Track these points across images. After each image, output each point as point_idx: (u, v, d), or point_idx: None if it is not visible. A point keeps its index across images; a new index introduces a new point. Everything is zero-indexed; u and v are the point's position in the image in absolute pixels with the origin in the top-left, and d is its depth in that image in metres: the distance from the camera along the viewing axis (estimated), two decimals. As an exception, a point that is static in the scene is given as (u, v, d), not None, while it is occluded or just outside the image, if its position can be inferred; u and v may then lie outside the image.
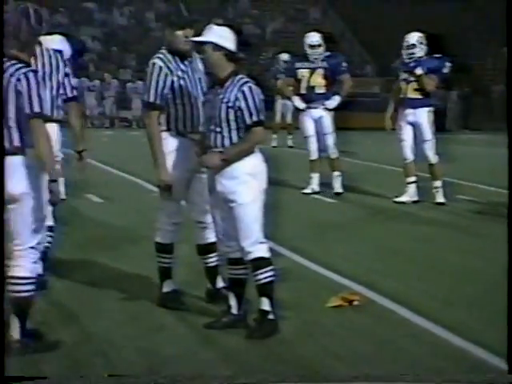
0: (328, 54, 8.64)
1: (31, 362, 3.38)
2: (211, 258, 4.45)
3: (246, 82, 3.81)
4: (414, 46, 8.04)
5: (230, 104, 3.78)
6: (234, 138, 3.80)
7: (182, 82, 4.26)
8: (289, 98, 8.97)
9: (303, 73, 8.59)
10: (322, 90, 8.57)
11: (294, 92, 8.70)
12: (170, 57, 4.27)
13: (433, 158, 8.13)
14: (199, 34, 3.95)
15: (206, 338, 3.83)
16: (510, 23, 3.04)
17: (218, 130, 3.82)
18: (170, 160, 4.24)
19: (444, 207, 8.04)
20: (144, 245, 5.13)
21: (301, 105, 8.60)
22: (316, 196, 8.66)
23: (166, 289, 4.40)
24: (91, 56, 26.58)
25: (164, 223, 4.38)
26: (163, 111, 4.26)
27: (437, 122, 8.31)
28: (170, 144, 4.26)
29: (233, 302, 3.91)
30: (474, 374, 3.43)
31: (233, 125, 3.80)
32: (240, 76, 3.82)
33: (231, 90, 3.80)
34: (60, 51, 4.69)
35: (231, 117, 3.78)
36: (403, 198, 8.11)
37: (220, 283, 4.45)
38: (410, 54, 8.04)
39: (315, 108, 8.56)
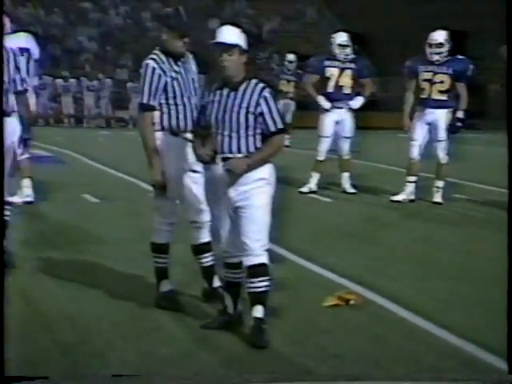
0: (354, 55, 8.63)
1: (31, 362, 3.36)
2: (207, 257, 4.45)
3: (265, 88, 3.74)
4: (442, 44, 7.86)
5: (250, 109, 3.69)
6: (251, 144, 3.72)
7: (175, 82, 4.26)
8: (311, 96, 8.75)
9: (332, 71, 8.56)
10: (348, 91, 8.57)
11: (317, 90, 8.61)
12: (163, 57, 4.27)
13: (443, 158, 8.09)
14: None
15: (203, 337, 3.83)
16: (510, 23, 3.01)
17: (234, 134, 3.72)
18: (163, 160, 4.24)
19: (442, 206, 8.04)
20: (140, 245, 5.11)
21: (326, 104, 8.55)
22: (312, 195, 8.66)
23: (162, 289, 4.40)
24: (87, 56, 26.58)
25: (159, 223, 4.38)
26: (157, 111, 4.26)
27: (465, 121, 8.20)
28: (163, 144, 4.26)
29: (228, 302, 3.89)
30: (473, 374, 3.43)
31: (251, 130, 3.71)
32: (255, 80, 3.75)
33: (250, 94, 3.71)
34: (26, 49, 4.84)
35: (250, 122, 3.70)
36: (400, 197, 8.09)
37: (216, 283, 4.45)
38: (438, 53, 7.85)
39: (340, 108, 8.54)
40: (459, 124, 7.98)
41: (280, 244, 5.50)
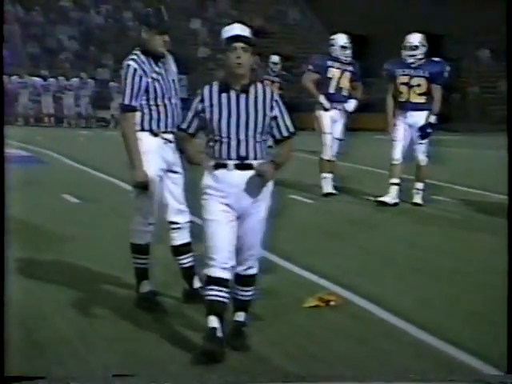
0: (352, 58, 8.67)
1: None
2: (186, 258, 4.45)
3: (273, 91, 3.60)
4: (417, 47, 7.90)
5: (267, 113, 3.51)
6: (263, 149, 3.53)
7: (156, 83, 4.26)
8: (312, 94, 8.71)
9: (334, 72, 8.57)
10: (346, 93, 8.60)
11: (319, 89, 8.57)
12: (143, 58, 4.27)
13: (423, 160, 8.11)
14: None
15: (182, 339, 3.82)
16: (510, 23, 3.00)
17: (251, 139, 3.49)
18: (144, 160, 4.23)
19: (422, 208, 8.09)
20: (120, 245, 5.09)
21: (327, 104, 8.56)
22: (294, 196, 8.67)
23: (142, 289, 4.39)
24: (67, 55, 26.41)
25: (139, 224, 4.36)
26: (137, 112, 4.26)
27: (434, 127, 8.18)
28: (144, 144, 4.25)
29: (216, 323, 3.50)
30: (450, 374, 3.45)
31: (264, 135, 3.53)
32: (258, 82, 3.58)
33: (263, 97, 3.52)
34: None
35: (266, 126, 3.52)
36: (386, 199, 8.07)
37: (197, 283, 4.44)
38: (413, 55, 7.90)
39: (336, 109, 8.56)
40: (429, 130, 7.98)
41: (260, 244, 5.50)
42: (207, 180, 3.55)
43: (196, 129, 3.60)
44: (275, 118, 3.54)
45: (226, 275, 3.51)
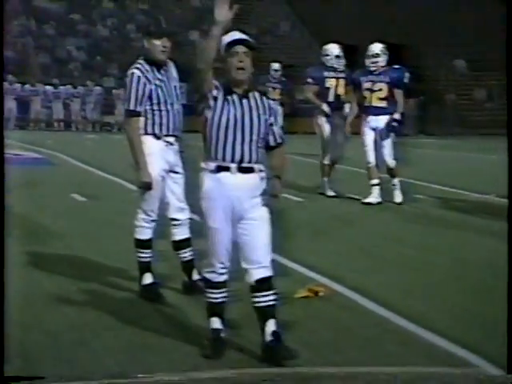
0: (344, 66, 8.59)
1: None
2: (186, 252, 4.44)
3: (268, 97, 3.44)
4: (378, 55, 7.94)
5: (267, 118, 3.33)
6: (259, 153, 3.33)
7: (159, 90, 4.25)
8: (315, 105, 8.58)
9: (331, 82, 8.52)
10: (343, 99, 8.52)
11: (319, 99, 8.50)
12: (147, 66, 4.25)
13: (391, 163, 8.05)
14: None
15: (184, 327, 3.80)
16: (510, 24, 2.95)
17: (253, 143, 3.29)
18: (148, 161, 4.21)
19: (402, 206, 8.08)
20: (124, 240, 5.06)
21: (330, 111, 8.49)
22: (285, 195, 8.62)
23: (145, 281, 4.37)
24: (76, 65, 26.36)
25: (142, 220, 4.35)
26: (141, 117, 4.24)
27: (401, 123, 8.19)
28: (148, 147, 4.23)
29: (219, 325, 3.41)
30: (430, 361, 3.44)
31: (261, 139, 3.33)
32: (256, 90, 3.40)
33: (261, 103, 3.34)
34: None
35: (265, 131, 3.33)
36: (370, 199, 8.03)
37: (195, 276, 4.42)
38: (374, 63, 7.93)
39: (336, 115, 8.48)
40: (395, 124, 7.95)
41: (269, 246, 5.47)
42: (209, 184, 3.30)
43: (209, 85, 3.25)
44: (271, 124, 3.37)
45: (225, 278, 3.38)
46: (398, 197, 8.09)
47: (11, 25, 25.86)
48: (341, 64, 8.58)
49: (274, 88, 13.33)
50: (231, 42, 3.28)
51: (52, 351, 3.45)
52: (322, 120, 8.61)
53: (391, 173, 8.11)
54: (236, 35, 3.31)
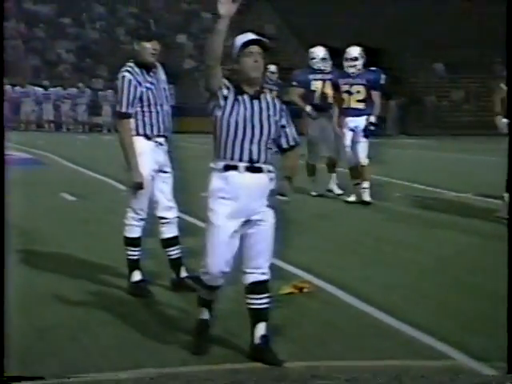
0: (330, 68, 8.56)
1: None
2: (174, 250, 4.43)
3: (276, 99, 3.34)
4: (356, 58, 7.95)
5: (277, 119, 3.24)
6: (268, 154, 3.24)
7: (149, 92, 4.25)
8: (300, 107, 8.52)
9: (317, 84, 8.49)
10: (330, 100, 8.48)
11: (304, 101, 8.48)
12: (137, 69, 4.25)
13: (364, 159, 8.00)
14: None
15: (170, 322, 3.80)
16: (510, 25, 2.93)
17: (263, 143, 3.21)
18: (139, 161, 4.21)
19: (382, 204, 8.11)
20: (113, 238, 5.05)
21: (314, 113, 8.48)
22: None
23: (134, 279, 4.36)
24: (66, 67, 26.19)
25: (131, 219, 4.35)
26: (132, 118, 4.24)
27: (378, 125, 8.19)
28: (139, 147, 4.23)
29: (206, 315, 3.37)
30: (408, 354, 3.46)
31: (271, 140, 3.24)
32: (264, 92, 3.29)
33: (273, 105, 3.25)
34: None
35: (276, 132, 3.25)
36: (352, 198, 8.05)
37: (183, 273, 4.42)
38: (353, 66, 7.93)
39: (323, 117, 8.45)
40: (372, 128, 7.98)
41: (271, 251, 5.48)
42: (217, 183, 3.18)
43: (219, 83, 3.17)
44: (283, 126, 3.28)
45: (221, 281, 3.28)
46: (367, 197, 7.95)
47: (2, 28, 25.52)
48: (327, 66, 8.57)
49: (271, 90, 13.23)
50: (246, 42, 3.19)
51: (43, 347, 3.43)
52: (308, 121, 8.62)
53: (363, 172, 7.97)
54: (250, 35, 3.22)
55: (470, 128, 24.67)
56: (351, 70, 7.97)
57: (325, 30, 24.88)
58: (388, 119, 24.02)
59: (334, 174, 8.69)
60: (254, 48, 3.19)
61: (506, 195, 6.97)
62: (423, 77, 28.15)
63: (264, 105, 3.23)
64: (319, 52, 8.64)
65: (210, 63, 3.14)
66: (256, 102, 3.22)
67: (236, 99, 3.20)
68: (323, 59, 8.58)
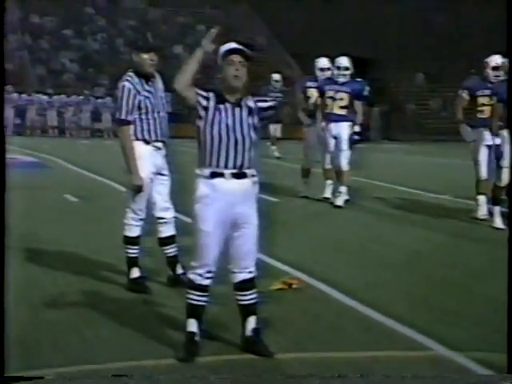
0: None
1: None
2: (171, 248, 4.43)
3: (259, 96, 3.28)
4: (347, 68, 7.87)
5: (255, 123, 3.20)
6: (252, 158, 3.20)
7: (147, 100, 4.26)
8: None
9: (311, 91, 8.41)
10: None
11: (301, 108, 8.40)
12: (136, 79, 4.27)
13: (345, 166, 7.91)
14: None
15: (166, 317, 3.78)
16: (510, 26, 2.90)
17: (246, 150, 3.17)
18: (138, 165, 4.20)
19: (367, 206, 8.11)
20: (113, 237, 5.03)
21: (307, 120, 8.41)
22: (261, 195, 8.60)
23: (133, 275, 4.35)
24: (69, 76, 26.13)
25: (131, 219, 4.34)
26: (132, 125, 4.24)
27: (362, 134, 8.13)
28: (138, 151, 4.23)
29: (195, 328, 3.24)
30: (390, 345, 3.46)
31: (254, 145, 3.21)
32: (251, 97, 3.24)
33: (253, 110, 3.19)
34: None
35: (257, 136, 3.22)
36: (327, 195, 8.09)
37: (179, 270, 4.41)
38: (344, 75, 7.85)
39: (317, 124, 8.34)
40: (356, 137, 7.93)
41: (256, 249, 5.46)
42: (204, 189, 3.14)
43: (196, 95, 3.14)
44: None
45: (208, 282, 3.23)
46: (339, 201, 7.84)
47: (9, 40, 25.55)
48: (325, 76, 8.37)
49: (276, 98, 13.12)
50: (228, 50, 3.17)
51: (47, 340, 3.41)
52: (306, 127, 8.56)
53: (342, 177, 7.89)
54: (233, 45, 3.19)
55: (447, 134, 24.74)
56: (341, 79, 7.90)
57: (314, 42, 24.92)
58: (371, 125, 24.08)
59: (330, 181, 8.31)
60: (236, 57, 3.15)
61: (480, 197, 6.99)
62: (404, 86, 28.29)
63: (245, 112, 3.18)
64: (318, 62, 8.52)
65: (176, 87, 3.11)
66: (237, 110, 3.17)
67: (217, 108, 3.16)
68: (321, 69, 8.43)
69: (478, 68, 7.26)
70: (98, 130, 24.04)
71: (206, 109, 3.16)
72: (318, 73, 8.49)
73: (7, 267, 4.69)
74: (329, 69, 8.41)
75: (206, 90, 3.20)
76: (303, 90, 8.48)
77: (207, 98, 3.17)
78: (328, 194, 8.29)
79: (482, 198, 6.99)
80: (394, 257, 5.46)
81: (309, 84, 8.53)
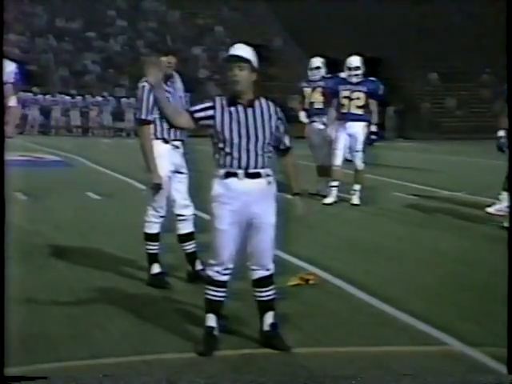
0: (329, 75, 8.39)
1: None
2: (190, 245, 4.43)
3: (276, 105, 3.26)
4: (358, 68, 7.81)
5: (272, 125, 3.19)
6: (266, 158, 3.19)
7: None
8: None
9: (307, 91, 8.34)
10: (320, 106, 8.27)
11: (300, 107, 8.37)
12: (156, 80, 4.24)
13: (360, 165, 7.83)
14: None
15: (187, 312, 3.78)
16: (510, 26, 2.85)
17: (259, 150, 3.16)
18: (158, 163, 4.20)
19: (383, 204, 8.05)
20: (134, 234, 5.05)
21: (304, 118, 8.37)
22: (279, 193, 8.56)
23: (153, 271, 4.36)
24: (91, 77, 26.32)
25: (152, 216, 4.35)
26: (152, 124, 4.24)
27: (378, 134, 8.02)
28: (157, 150, 4.23)
29: (213, 322, 3.25)
30: (405, 339, 3.42)
31: (268, 146, 3.20)
32: (264, 99, 3.23)
33: (268, 111, 3.20)
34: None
35: (271, 138, 3.20)
36: (329, 200, 7.83)
37: (198, 266, 4.41)
38: (356, 75, 7.77)
39: (316, 122, 8.32)
40: (373, 137, 7.85)
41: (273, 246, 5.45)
42: (218, 189, 3.17)
43: (196, 120, 3.20)
44: (278, 130, 3.23)
45: (226, 278, 3.24)
46: (355, 199, 7.75)
47: (36, 43, 25.77)
48: (318, 74, 8.35)
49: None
50: (226, 57, 3.21)
51: (70, 332, 3.43)
52: (306, 126, 8.46)
53: (358, 176, 7.82)
54: (232, 50, 3.20)
55: (461, 132, 24.57)
56: (353, 79, 7.82)
57: (329, 42, 24.81)
58: (386, 124, 23.92)
59: (324, 179, 8.22)
60: (234, 62, 3.16)
61: (503, 194, 6.87)
62: (419, 85, 28.07)
63: (258, 112, 3.18)
64: (313, 62, 8.49)
65: (180, 127, 3.38)
66: (250, 111, 3.17)
67: (228, 110, 3.17)
68: (317, 68, 8.41)
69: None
70: (120, 130, 24.18)
71: (212, 117, 3.18)
72: (310, 72, 8.39)
73: (33, 263, 4.72)
74: (320, 67, 8.33)
75: (210, 99, 3.25)
76: (300, 90, 8.44)
77: (211, 107, 3.20)
78: (320, 190, 8.12)
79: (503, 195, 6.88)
80: (409, 253, 5.42)
81: (304, 84, 8.49)
